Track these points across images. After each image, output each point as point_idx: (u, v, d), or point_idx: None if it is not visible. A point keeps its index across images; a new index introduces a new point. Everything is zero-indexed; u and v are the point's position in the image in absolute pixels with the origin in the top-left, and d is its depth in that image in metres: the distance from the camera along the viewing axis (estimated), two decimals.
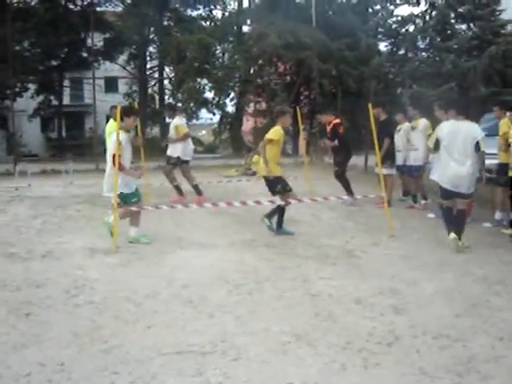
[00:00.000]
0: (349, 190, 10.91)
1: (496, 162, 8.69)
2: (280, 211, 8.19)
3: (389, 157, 10.73)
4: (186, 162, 11.67)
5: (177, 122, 11.56)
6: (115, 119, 8.98)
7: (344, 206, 10.80)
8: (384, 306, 4.89)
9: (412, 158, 10.61)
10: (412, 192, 10.89)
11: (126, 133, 7.83)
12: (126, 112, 7.82)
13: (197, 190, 11.58)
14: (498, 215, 8.72)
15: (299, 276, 5.87)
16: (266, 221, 8.23)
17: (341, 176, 11.21)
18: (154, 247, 7.37)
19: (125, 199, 7.72)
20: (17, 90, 32.09)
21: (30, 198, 12.03)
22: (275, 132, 8.14)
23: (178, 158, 11.49)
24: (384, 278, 5.79)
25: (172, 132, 11.64)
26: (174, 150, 11.51)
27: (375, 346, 4.01)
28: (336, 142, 11.05)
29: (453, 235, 6.95)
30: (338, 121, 11.18)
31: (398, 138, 10.79)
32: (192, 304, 4.99)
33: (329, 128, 11.17)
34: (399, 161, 10.81)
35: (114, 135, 7.55)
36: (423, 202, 10.61)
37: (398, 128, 10.97)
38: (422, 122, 10.59)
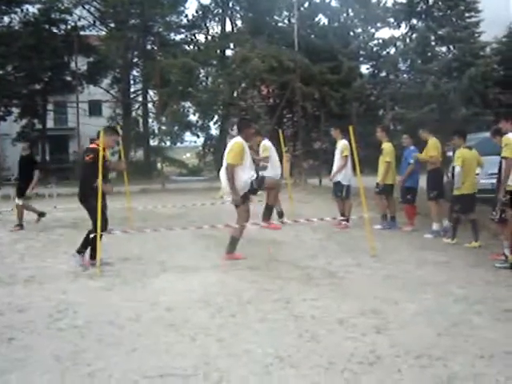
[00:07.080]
0: None
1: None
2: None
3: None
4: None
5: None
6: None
7: (326, 227, 10.80)
8: (366, 326, 4.93)
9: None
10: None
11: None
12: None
13: None
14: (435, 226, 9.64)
15: (282, 298, 5.89)
16: None
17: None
18: (137, 271, 7.36)
19: None
20: (0, 113, 31.99)
21: (13, 223, 11.95)
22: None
23: None
24: (366, 298, 5.83)
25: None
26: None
27: (357, 366, 4.04)
28: None
29: None
30: None
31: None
32: (175, 327, 4.99)
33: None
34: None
35: None
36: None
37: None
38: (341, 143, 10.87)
